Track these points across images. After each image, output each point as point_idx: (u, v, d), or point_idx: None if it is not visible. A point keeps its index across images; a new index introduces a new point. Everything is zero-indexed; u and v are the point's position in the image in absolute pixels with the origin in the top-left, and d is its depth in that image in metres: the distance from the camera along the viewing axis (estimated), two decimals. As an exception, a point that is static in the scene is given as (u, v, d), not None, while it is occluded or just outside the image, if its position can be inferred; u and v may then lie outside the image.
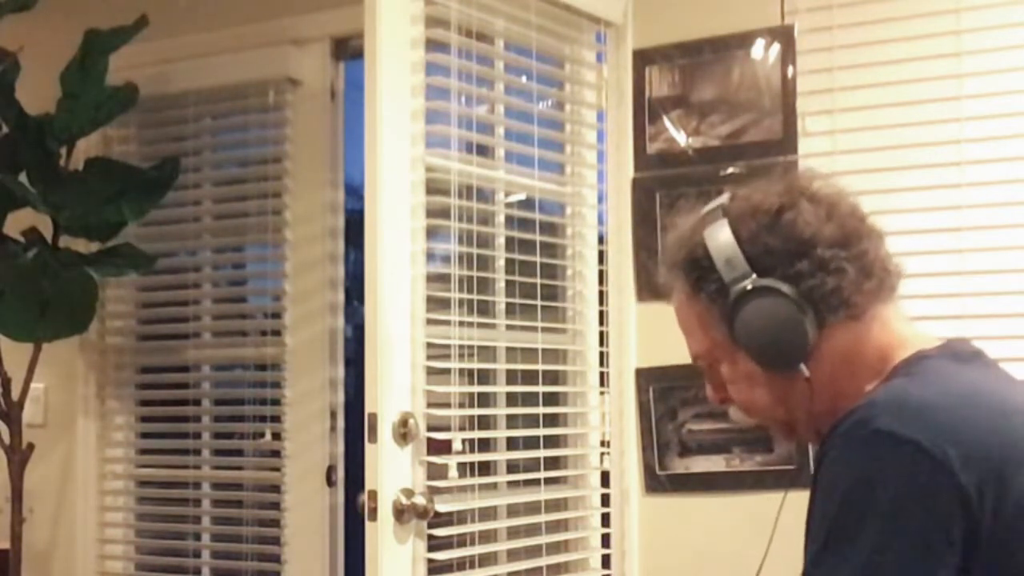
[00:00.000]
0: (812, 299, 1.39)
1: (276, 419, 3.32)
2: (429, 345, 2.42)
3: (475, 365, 2.59)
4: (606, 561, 2.89)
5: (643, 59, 2.92)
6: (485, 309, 2.65)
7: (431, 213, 2.46)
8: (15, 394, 3.19)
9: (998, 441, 1.28)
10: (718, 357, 1.48)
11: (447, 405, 2.47)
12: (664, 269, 1.52)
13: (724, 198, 1.48)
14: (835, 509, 1.27)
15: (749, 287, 1.40)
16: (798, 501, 1.56)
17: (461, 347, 2.52)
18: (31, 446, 3.21)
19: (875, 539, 1.24)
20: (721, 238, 1.42)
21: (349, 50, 3.29)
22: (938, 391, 1.33)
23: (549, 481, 2.76)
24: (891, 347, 1.42)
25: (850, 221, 1.43)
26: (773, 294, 1.39)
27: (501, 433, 2.67)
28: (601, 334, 2.90)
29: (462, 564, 2.51)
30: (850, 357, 1.42)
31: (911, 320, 1.48)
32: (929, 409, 1.29)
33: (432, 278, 2.46)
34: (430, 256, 2.46)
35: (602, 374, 2.90)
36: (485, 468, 2.63)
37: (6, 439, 3.19)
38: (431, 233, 2.47)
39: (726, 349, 1.46)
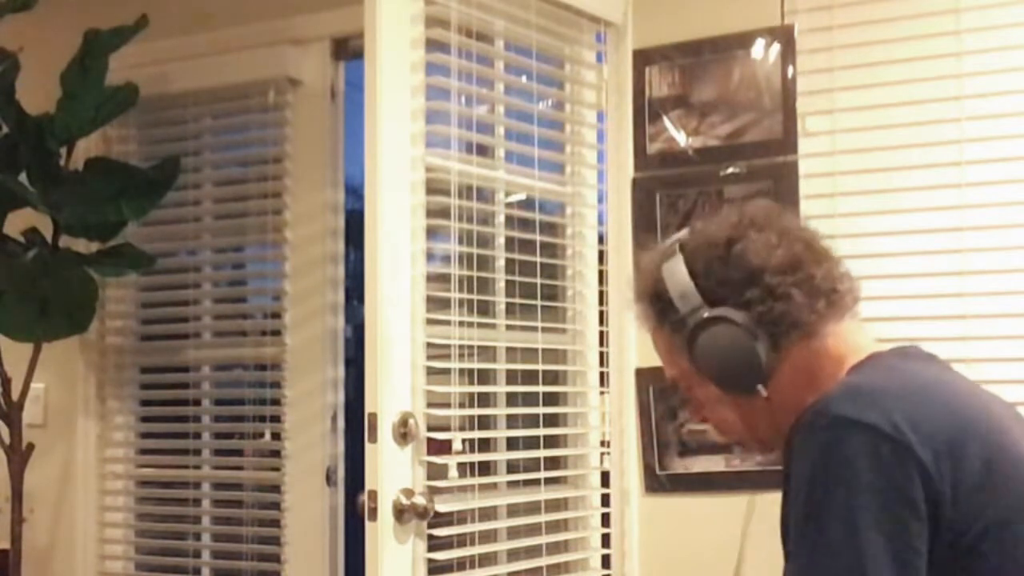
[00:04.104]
0: (763, 324, 1.50)
1: (276, 419, 3.32)
2: (429, 345, 2.42)
3: (475, 365, 2.59)
4: (606, 561, 2.89)
5: (643, 59, 2.92)
6: (485, 309, 2.65)
7: (431, 213, 2.46)
8: (15, 394, 3.19)
9: (948, 417, 1.38)
10: (689, 383, 1.60)
11: (447, 405, 2.47)
12: (634, 300, 1.63)
13: (683, 233, 1.60)
14: (805, 496, 1.36)
15: (702, 318, 1.51)
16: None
17: (461, 347, 2.52)
18: (31, 446, 3.21)
19: (846, 517, 1.32)
20: (676, 273, 1.54)
21: (349, 50, 3.29)
22: (889, 379, 1.45)
23: (549, 481, 2.76)
24: (846, 355, 1.52)
25: (796, 247, 1.53)
26: (724, 323, 1.51)
27: (501, 433, 2.67)
28: (601, 334, 2.90)
29: (462, 564, 2.51)
30: (809, 372, 1.51)
31: (866, 330, 1.58)
32: (882, 394, 1.39)
33: (432, 278, 2.46)
34: (430, 256, 2.46)
35: (602, 374, 2.90)
36: (485, 468, 2.63)
37: (6, 439, 3.19)
38: (431, 233, 2.47)
39: (692, 375, 1.57)
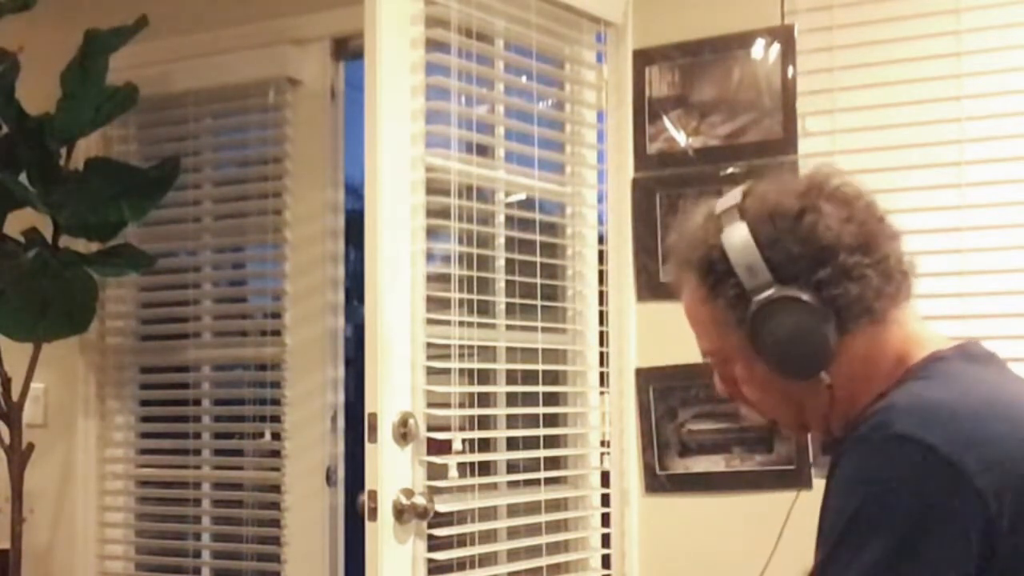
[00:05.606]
0: (835, 307, 1.37)
1: (276, 419, 3.32)
2: (429, 345, 2.42)
3: (475, 365, 2.59)
4: (606, 561, 2.89)
5: (643, 59, 2.92)
6: (485, 309, 2.65)
7: (431, 213, 2.46)
8: (15, 394, 3.19)
9: (1017, 443, 1.27)
10: (731, 357, 1.46)
11: (447, 405, 2.47)
12: (674, 267, 1.48)
13: (738, 196, 1.43)
14: (851, 512, 1.27)
15: (773, 297, 1.37)
16: (801, 503, 1.57)
17: (461, 347, 2.52)
18: (31, 446, 3.21)
19: (890, 545, 1.23)
20: (740, 242, 1.38)
21: (349, 50, 3.29)
22: (956, 394, 1.32)
23: (549, 481, 2.76)
24: (907, 348, 1.41)
25: (870, 223, 1.41)
26: (797, 305, 1.36)
27: (501, 433, 2.67)
28: (601, 334, 2.90)
29: (462, 564, 2.51)
30: (869, 360, 1.40)
31: (923, 320, 1.47)
32: (948, 412, 1.28)
33: (432, 278, 2.46)
34: (430, 256, 2.46)
35: (602, 374, 2.90)
36: (485, 468, 2.63)
37: (6, 439, 3.19)
38: (431, 233, 2.47)
39: (741, 353, 1.43)
